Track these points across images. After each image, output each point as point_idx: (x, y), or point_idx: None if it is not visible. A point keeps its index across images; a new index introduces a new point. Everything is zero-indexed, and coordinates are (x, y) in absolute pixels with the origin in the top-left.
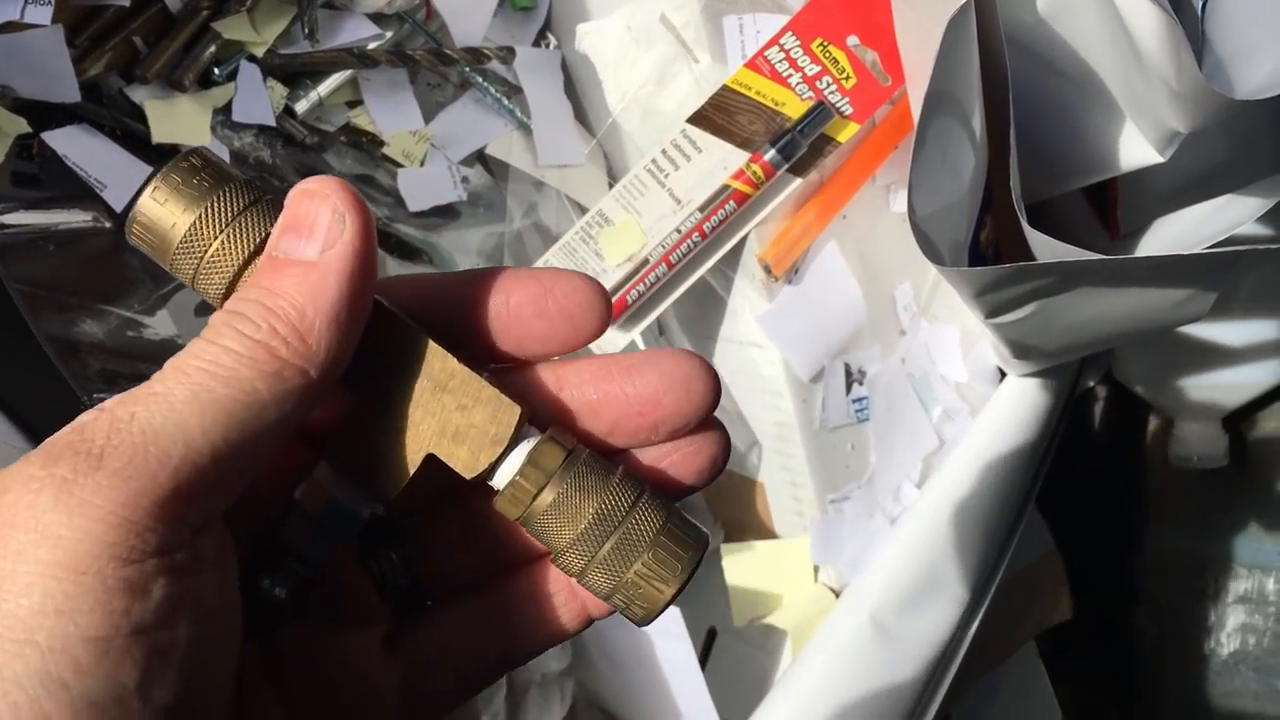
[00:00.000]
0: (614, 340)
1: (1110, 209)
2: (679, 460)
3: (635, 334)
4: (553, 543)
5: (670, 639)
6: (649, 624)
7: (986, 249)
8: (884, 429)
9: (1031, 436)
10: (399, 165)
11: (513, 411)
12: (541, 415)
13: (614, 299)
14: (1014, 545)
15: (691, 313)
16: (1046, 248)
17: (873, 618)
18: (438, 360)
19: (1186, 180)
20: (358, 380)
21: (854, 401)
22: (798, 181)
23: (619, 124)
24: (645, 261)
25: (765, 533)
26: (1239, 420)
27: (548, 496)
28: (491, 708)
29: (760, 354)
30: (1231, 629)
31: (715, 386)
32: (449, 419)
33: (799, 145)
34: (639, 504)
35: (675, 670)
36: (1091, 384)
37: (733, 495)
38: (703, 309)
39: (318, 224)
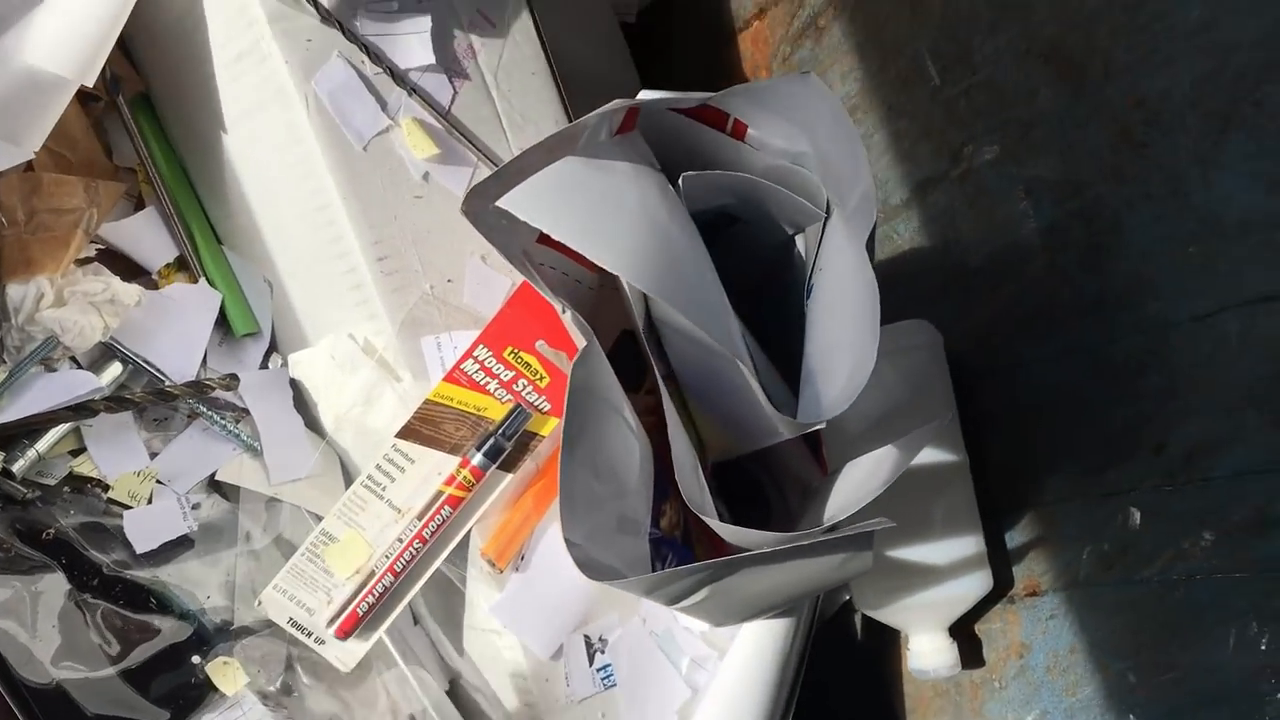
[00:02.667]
0: (353, 651)
1: (819, 449)
2: None
3: (371, 643)
4: None
5: None
6: None
7: (672, 532)
8: (632, 690)
9: (777, 670)
10: (126, 507)
11: None
12: None
13: (345, 612)
14: None
15: (436, 602)
16: (732, 534)
17: None
18: None
19: (869, 426)
20: None
21: (598, 670)
22: (509, 477)
23: (335, 443)
24: (372, 573)
25: None
26: (967, 627)
27: None
28: None
29: (500, 639)
30: None
31: None
32: None
33: (503, 446)
34: None
35: None
36: (839, 605)
37: None
38: (446, 599)
39: None
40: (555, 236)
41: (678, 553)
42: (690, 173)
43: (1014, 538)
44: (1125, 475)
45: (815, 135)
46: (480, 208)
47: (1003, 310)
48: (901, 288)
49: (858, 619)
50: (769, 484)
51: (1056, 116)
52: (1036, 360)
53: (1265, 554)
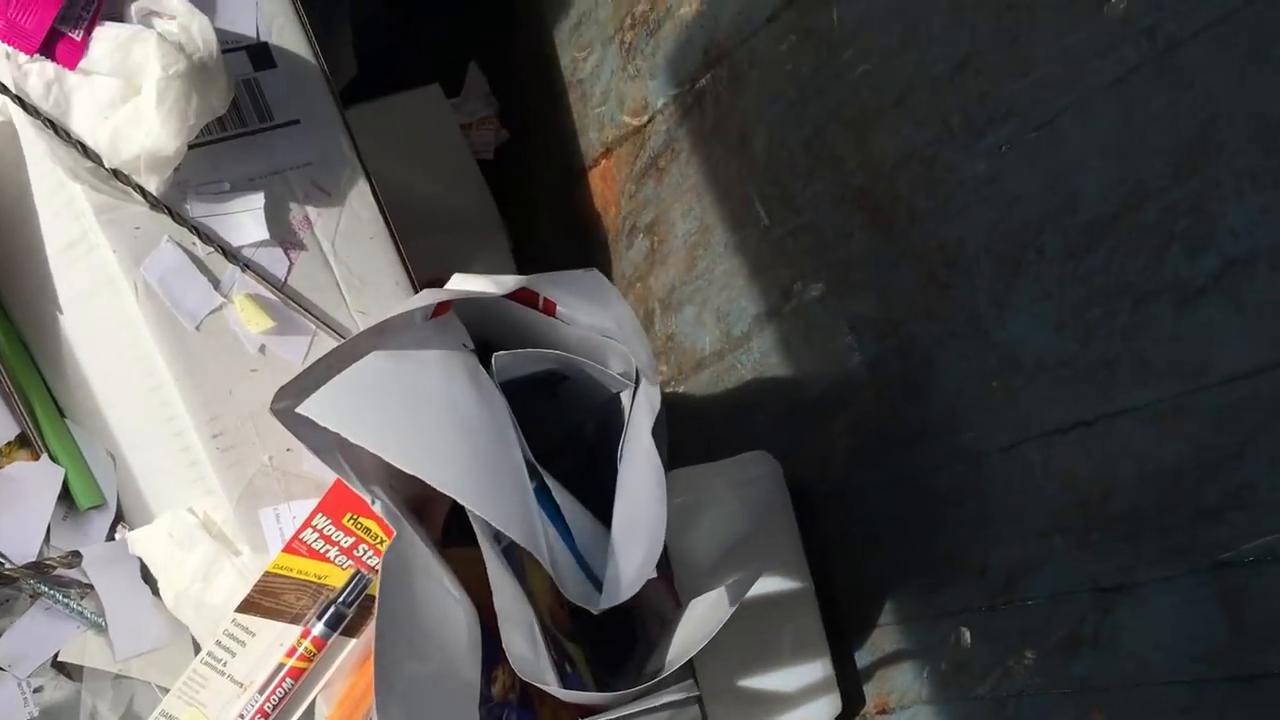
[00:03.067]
0: None
1: (671, 582)
2: None
3: None
4: None
5: None
6: None
7: (506, 695)
8: None
9: None
10: None
11: None
12: None
13: None
14: None
15: None
16: (564, 696)
17: None
18: None
19: (717, 556)
20: None
21: None
22: (352, 643)
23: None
24: None
25: None
26: None
27: None
28: None
29: None
30: None
31: None
32: None
33: (344, 613)
34: None
35: None
36: None
37: None
38: None
39: None
40: (354, 440)
41: (517, 714)
42: (502, 353)
43: (863, 657)
44: (954, 597)
45: (611, 316)
46: (288, 408)
47: (838, 440)
48: (746, 417)
49: None
50: (636, 616)
51: (872, 258)
52: (870, 487)
53: (1079, 673)
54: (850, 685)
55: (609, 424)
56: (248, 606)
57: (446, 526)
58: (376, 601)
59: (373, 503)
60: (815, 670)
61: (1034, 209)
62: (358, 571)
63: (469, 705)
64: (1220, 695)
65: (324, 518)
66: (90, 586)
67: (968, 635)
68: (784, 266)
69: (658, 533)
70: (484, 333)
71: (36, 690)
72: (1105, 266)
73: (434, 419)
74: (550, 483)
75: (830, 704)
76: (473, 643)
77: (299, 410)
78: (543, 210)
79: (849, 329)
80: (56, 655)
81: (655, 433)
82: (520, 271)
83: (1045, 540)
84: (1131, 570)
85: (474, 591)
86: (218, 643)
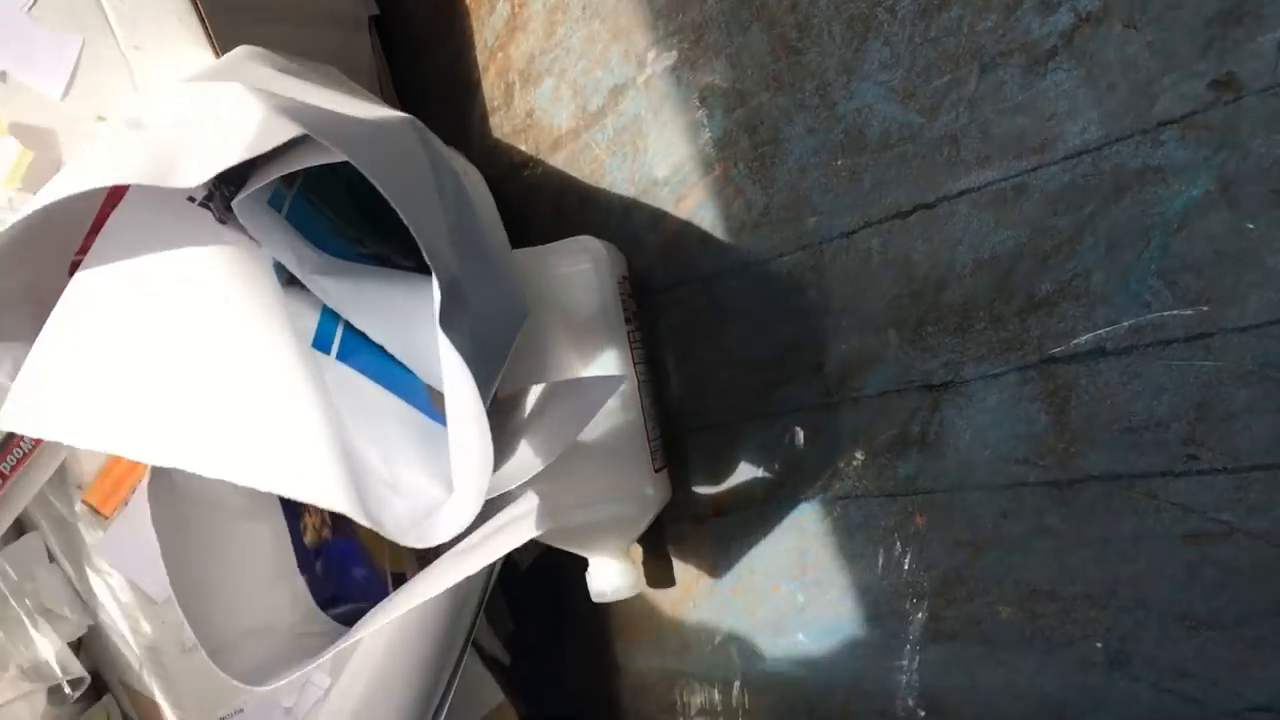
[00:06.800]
0: None
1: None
2: None
3: None
4: None
5: None
6: None
7: (320, 538)
8: None
9: (448, 603)
10: None
11: None
12: None
13: None
14: (446, 710)
15: (63, 540)
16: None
17: None
18: None
19: (540, 354)
20: None
21: None
22: None
23: None
24: None
25: None
26: (661, 549)
27: None
28: None
29: (114, 579)
30: None
31: None
32: None
33: None
34: None
35: None
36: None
37: (146, 714)
38: (69, 536)
39: None
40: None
41: (341, 549)
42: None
43: (700, 458)
44: (791, 394)
45: None
46: None
47: (686, 223)
48: (597, 200)
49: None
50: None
51: (724, 19)
52: (717, 274)
53: (905, 474)
54: (687, 486)
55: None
56: None
57: None
58: (164, 566)
59: None
60: (637, 468)
61: None
62: None
63: (285, 566)
64: (1039, 499)
65: None
66: None
67: (801, 435)
68: (640, 31)
69: (482, 480)
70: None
71: None
72: (956, 26)
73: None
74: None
75: (651, 502)
76: (271, 499)
77: None
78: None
79: (700, 102)
80: None
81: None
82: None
83: (880, 334)
84: (959, 366)
85: None
86: None
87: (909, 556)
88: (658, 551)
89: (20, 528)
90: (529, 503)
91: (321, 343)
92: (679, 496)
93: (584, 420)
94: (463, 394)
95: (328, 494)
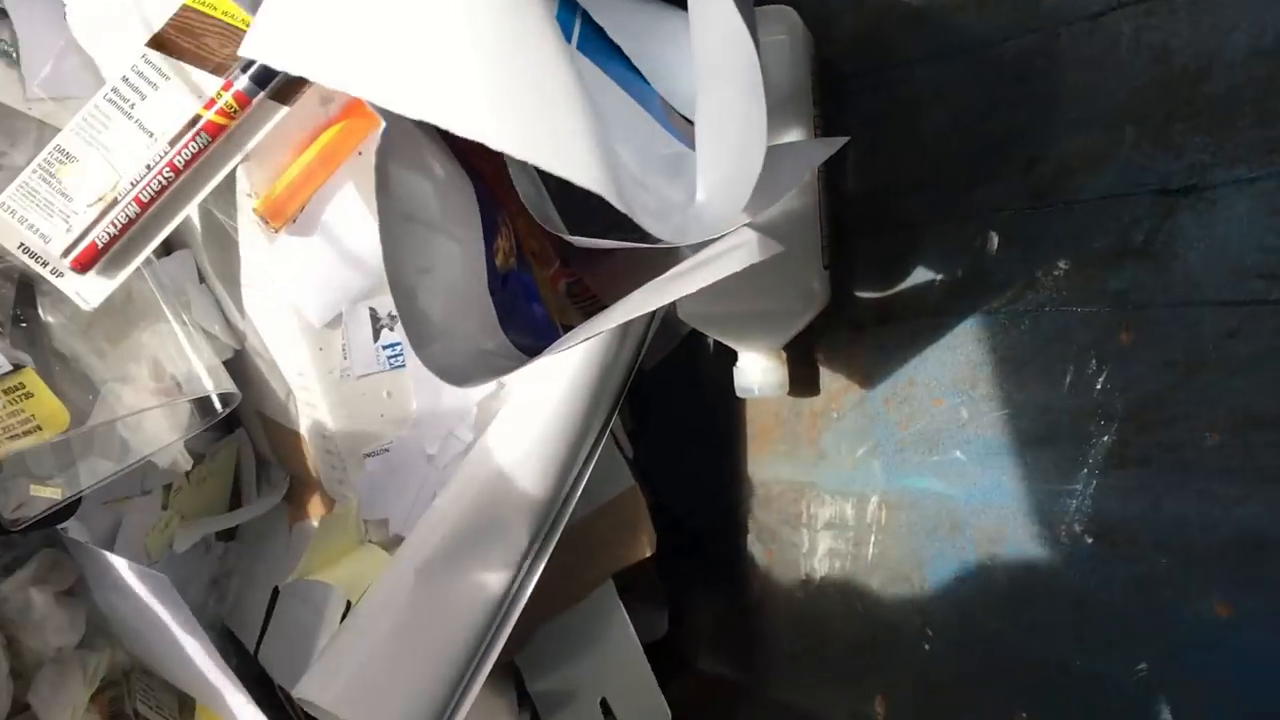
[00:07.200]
0: (95, 287)
1: None
2: None
3: (117, 281)
4: None
5: (169, 607)
6: None
7: (508, 264)
8: (426, 375)
9: (595, 377)
10: None
11: None
12: None
13: (83, 243)
14: (583, 485)
15: (218, 257)
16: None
17: (418, 572)
18: None
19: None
20: None
21: (385, 348)
22: (283, 111)
23: (83, 49)
24: (115, 202)
25: (316, 485)
26: (809, 355)
27: None
28: None
29: (273, 300)
30: (823, 554)
31: None
32: None
33: (273, 71)
34: None
35: (182, 635)
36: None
37: (285, 447)
38: (225, 252)
39: None
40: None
41: (524, 282)
42: None
43: (869, 261)
44: (993, 194)
45: None
46: None
47: (894, 1)
48: None
49: (711, 341)
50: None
51: None
52: (922, 61)
53: (1116, 287)
54: (847, 289)
55: None
56: (161, 44)
57: None
58: (375, 195)
59: None
60: (804, 262)
61: None
62: None
63: (478, 282)
64: (1275, 320)
65: None
66: (5, 11)
67: (996, 240)
68: None
69: (757, 159)
70: None
71: None
72: None
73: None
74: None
75: (815, 299)
76: (474, 213)
77: None
78: None
79: None
80: None
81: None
82: None
83: (1115, 129)
84: (1207, 170)
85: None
86: (124, 79)
87: (1104, 375)
88: (805, 358)
89: (168, 246)
90: (746, 234)
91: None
92: (838, 301)
93: (796, 180)
94: (741, 60)
95: (585, 169)
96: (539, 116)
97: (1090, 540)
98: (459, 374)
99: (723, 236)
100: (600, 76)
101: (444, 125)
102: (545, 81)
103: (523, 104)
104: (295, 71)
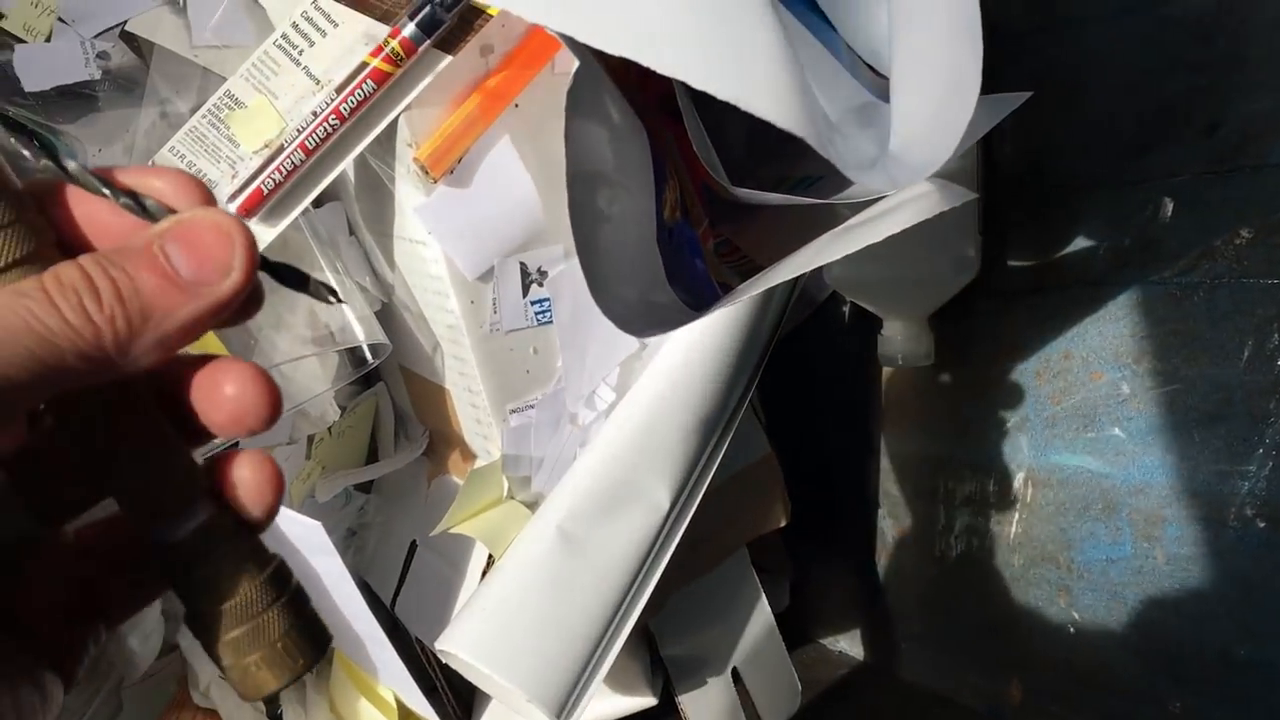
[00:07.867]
0: (261, 235)
1: None
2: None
3: (280, 229)
4: (194, 605)
5: (321, 555)
6: (252, 702)
7: (674, 215)
8: (572, 333)
9: (741, 340)
10: (20, 41)
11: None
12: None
13: (249, 188)
14: (723, 450)
15: (369, 210)
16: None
17: (560, 529)
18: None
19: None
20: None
21: (533, 304)
22: (447, 60)
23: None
24: (281, 148)
25: (457, 440)
26: (959, 323)
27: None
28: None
29: (427, 251)
30: (959, 531)
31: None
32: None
33: (441, 19)
34: (276, 604)
35: (333, 583)
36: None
37: (428, 401)
38: (379, 207)
39: (209, 261)
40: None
41: (688, 236)
42: None
43: (1024, 227)
44: (1166, 159)
45: None
46: None
47: None
48: None
49: (847, 308)
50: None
51: None
52: (1092, 19)
53: None
54: (1001, 257)
55: None
56: None
57: None
58: (564, 130)
59: None
60: (958, 228)
61: None
62: None
63: (648, 233)
64: None
65: None
66: None
67: (1170, 206)
68: None
69: (971, 97)
70: None
71: (100, 55)
72: None
73: None
74: None
75: (967, 268)
76: (646, 165)
77: None
78: None
79: None
80: (125, 25)
81: None
82: None
83: None
84: None
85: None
86: (294, 25)
87: None
88: (951, 328)
89: (320, 198)
90: (924, 185)
91: None
92: (989, 269)
93: (981, 132)
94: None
95: (788, 110)
96: (742, 55)
97: (1262, 525)
98: (634, 323)
99: (898, 191)
100: (794, 24)
101: (645, 62)
102: (748, 22)
103: (725, 42)
104: (499, 5)
